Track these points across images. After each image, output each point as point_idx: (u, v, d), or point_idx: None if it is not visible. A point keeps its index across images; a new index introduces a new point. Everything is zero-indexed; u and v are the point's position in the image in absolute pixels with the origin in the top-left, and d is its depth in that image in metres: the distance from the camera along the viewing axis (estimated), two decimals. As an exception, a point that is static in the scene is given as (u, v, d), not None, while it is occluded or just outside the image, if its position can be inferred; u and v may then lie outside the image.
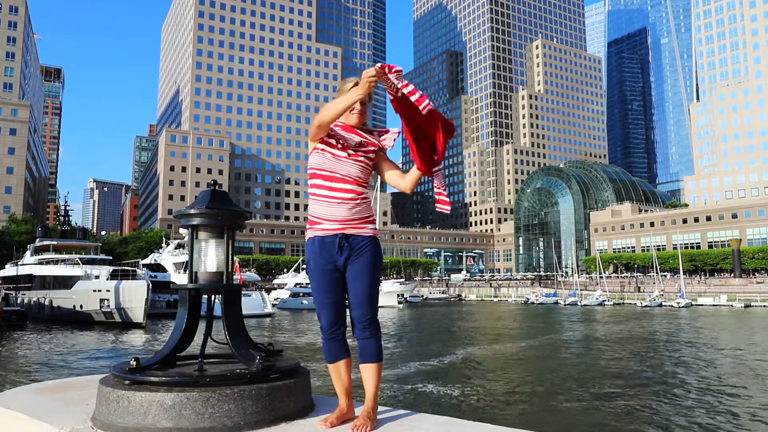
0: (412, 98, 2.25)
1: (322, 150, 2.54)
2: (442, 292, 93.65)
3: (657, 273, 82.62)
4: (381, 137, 2.60)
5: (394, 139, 2.62)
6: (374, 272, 2.53)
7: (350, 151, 2.54)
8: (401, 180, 2.60)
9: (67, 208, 59.52)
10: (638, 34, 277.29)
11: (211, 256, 2.61)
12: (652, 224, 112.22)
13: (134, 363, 2.38)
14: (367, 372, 2.53)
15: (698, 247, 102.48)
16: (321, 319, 2.54)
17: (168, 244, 58.86)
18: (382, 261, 2.62)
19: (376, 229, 2.59)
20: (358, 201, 2.53)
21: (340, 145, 2.54)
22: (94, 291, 38.68)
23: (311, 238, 2.54)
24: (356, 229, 2.52)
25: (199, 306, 2.65)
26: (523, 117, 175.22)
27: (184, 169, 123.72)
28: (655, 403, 14.39)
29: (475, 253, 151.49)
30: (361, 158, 2.55)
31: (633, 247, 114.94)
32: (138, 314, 37.24)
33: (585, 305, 66.61)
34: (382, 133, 2.62)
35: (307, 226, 2.61)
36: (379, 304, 2.56)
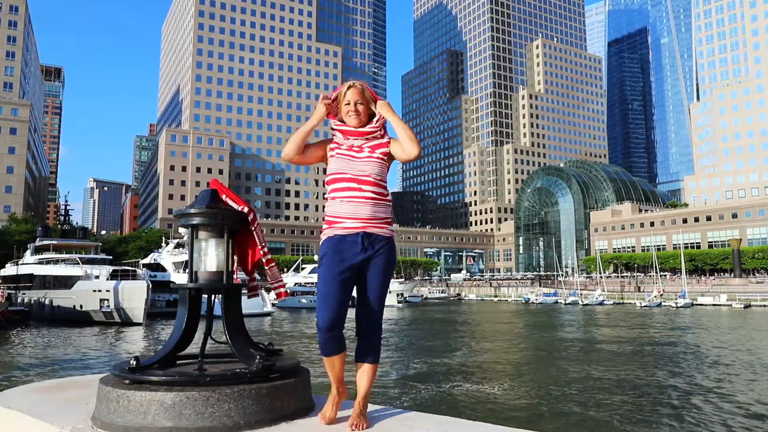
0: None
1: (338, 155, 2.58)
2: (442, 292, 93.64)
3: (657, 273, 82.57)
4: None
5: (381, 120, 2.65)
6: (389, 273, 2.54)
7: (365, 152, 2.57)
8: (399, 149, 2.59)
9: (68, 207, 59.52)
10: (638, 34, 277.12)
11: (211, 256, 2.62)
12: (652, 224, 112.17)
13: (134, 362, 2.38)
14: (363, 371, 2.53)
15: (698, 247, 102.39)
16: (321, 316, 2.42)
17: (168, 244, 58.79)
18: (395, 265, 2.61)
19: (393, 231, 2.60)
20: (379, 200, 2.53)
21: (355, 148, 2.58)
22: (94, 291, 38.68)
23: (329, 237, 2.52)
24: (377, 228, 2.50)
25: (199, 305, 2.65)
26: (523, 117, 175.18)
27: (184, 169, 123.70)
28: (655, 403, 14.39)
29: (475, 252, 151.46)
30: (376, 156, 2.57)
31: (633, 246, 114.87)
32: (138, 314, 37.25)
33: (585, 305, 66.60)
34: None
35: (325, 226, 2.59)
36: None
